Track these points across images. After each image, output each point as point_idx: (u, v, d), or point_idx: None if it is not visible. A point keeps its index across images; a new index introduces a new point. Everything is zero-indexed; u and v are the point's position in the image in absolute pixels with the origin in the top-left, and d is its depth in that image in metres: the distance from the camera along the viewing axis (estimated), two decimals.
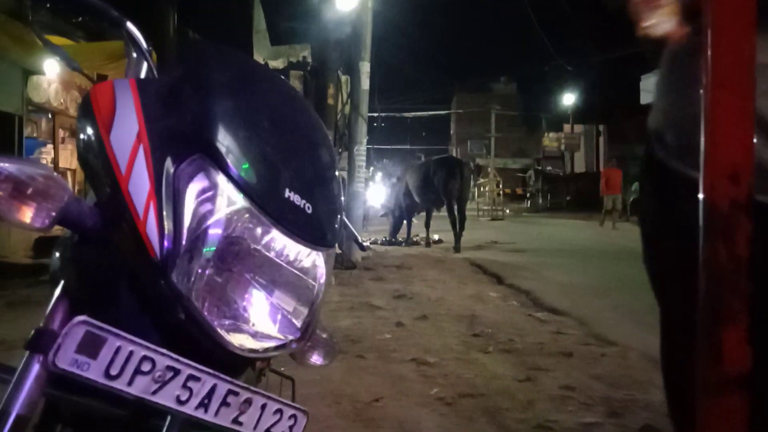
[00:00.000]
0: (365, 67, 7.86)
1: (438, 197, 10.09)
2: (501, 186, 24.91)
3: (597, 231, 11.40)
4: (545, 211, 27.09)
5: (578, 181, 30.38)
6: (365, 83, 7.86)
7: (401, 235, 11.16)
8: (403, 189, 10.93)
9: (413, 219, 11.42)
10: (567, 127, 35.00)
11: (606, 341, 3.93)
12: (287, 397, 1.44)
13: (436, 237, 11.05)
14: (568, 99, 34.61)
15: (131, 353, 0.60)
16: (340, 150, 7.95)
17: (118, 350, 0.60)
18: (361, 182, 8.13)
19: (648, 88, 27.73)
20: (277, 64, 9.14)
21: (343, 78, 8.36)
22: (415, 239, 11.13)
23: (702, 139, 0.55)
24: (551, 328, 4.30)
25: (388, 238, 11.16)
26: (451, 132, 50.90)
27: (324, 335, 0.86)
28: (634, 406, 2.74)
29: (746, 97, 0.53)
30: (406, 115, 36.57)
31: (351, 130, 7.93)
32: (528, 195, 31.83)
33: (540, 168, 33.57)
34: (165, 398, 0.63)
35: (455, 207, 9.80)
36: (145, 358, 0.61)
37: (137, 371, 0.61)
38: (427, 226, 10.91)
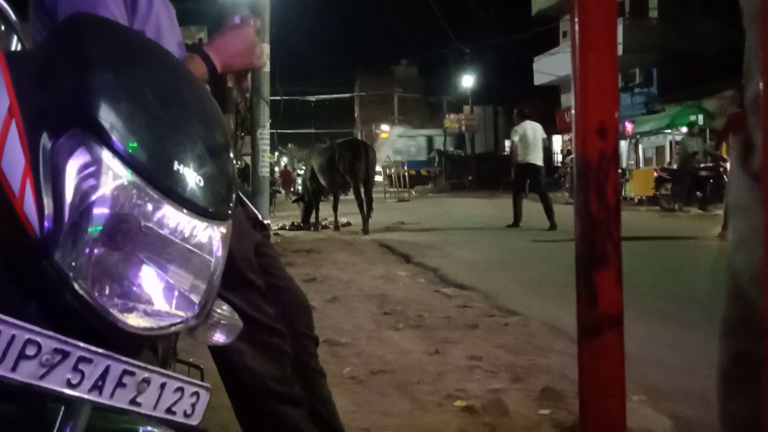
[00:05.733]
0: (265, 49, 7.69)
1: (344, 180, 10.09)
2: (406, 167, 25.25)
3: (498, 208, 11.86)
4: (449, 191, 27.78)
5: (479, 161, 31.36)
6: (266, 65, 7.69)
7: (312, 219, 11.09)
8: (309, 173, 10.84)
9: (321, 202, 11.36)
10: (467, 109, 35.95)
11: (509, 311, 4.12)
12: None
13: (344, 220, 11.07)
14: (467, 81, 35.51)
15: (13, 337, 0.57)
16: (242, 134, 7.75)
17: None
18: (266, 166, 7.99)
19: (541, 70, 29.00)
20: None
21: None
22: (323, 223, 11.10)
23: (572, 98, 0.59)
24: (458, 302, 4.44)
25: (299, 224, 11.05)
26: (356, 115, 51.02)
27: (225, 312, 0.84)
28: (535, 371, 2.90)
29: (611, 57, 0.58)
30: (310, 98, 36.21)
31: (253, 113, 7.75)
32: (432, 176, 32.49)
33: (443, 149, 34.33)
34: (54, 382, 0.60)
35: (362, 189, 9.84)
36: (29, 341, 0.58)
37: (21, 356, 0.57)
38: (335, 209, 10.91)
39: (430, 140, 36.03)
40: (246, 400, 1.56)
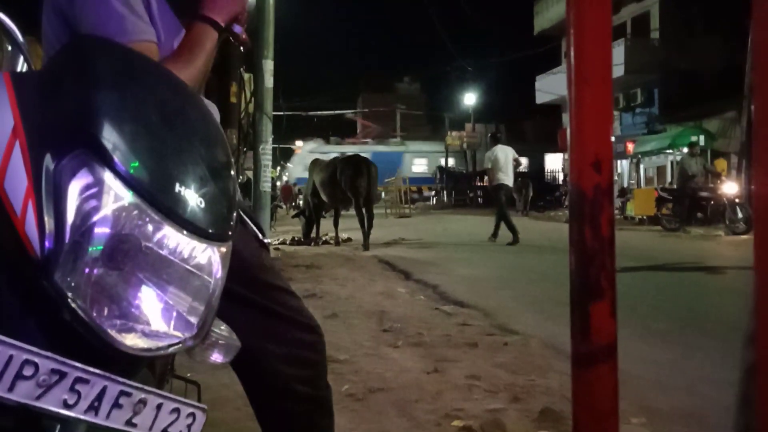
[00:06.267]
0: (269, 65, 7.75)
1: (345, 196, 10.11)
2: (408, 184, 25.32)
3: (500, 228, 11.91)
4: (450, 208, 27.80)
5: (480, 177, 31.43)
6: (269, 81, 7.74)
7: (313, 234, 11.10)
8: (310, 188, 10.86)
9: (322, 218, 11.37)
10: (468, 126, 36.11)
11: (509, 330, 4.11)
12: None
13: (345, 236, 11.07)
14: (470, 99, 35.72)
15: (11, 357, 0.57)
16: (245, 149, 7.79)
17: None
18: (268, 182, 8.02)
19: (543, 89, 29.17)
20: None
21: (246, 76, 8.19)
22: (324, 238, 11.10)
23: (569, 131, 0.60)
24: (457, 320, 4.43)
25: (299, 239, 11.05)
26: (358, 131, 51.20)
27: (223, 332, 0.84)
28: (535, 391, 2.88)
29: (606, 92, 0.59)
30: (312, 113, 36.38)
31: (255, 129, 7.79)
32: (433, 192, 32.54)
33: (444, 166, 34.43)
34: (51, 403, 0.60)
35: (363, 205, 9.86)
36: (27, 362, 0.58)
37: (18, 376, 0.58)
38: (336, 224, 10.91)
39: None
40: (274, 401, 1.41)
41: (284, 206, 22.95)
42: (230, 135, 6.89)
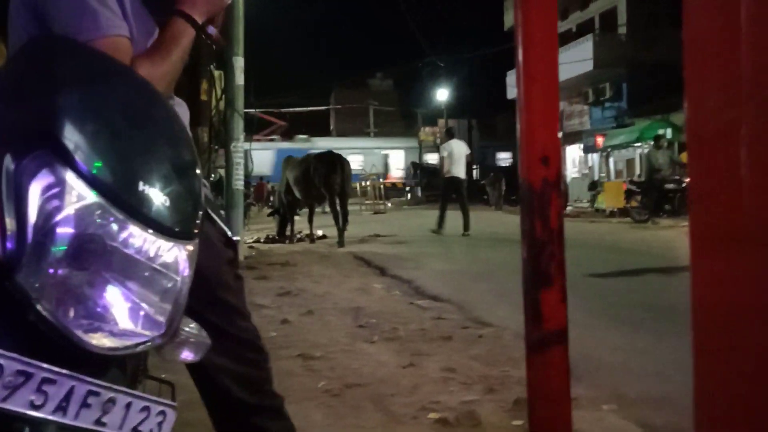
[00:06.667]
0: (239, 62, 7.70)
1: (319, 193, 10.08)
2: (382, 180, 25.32)
3: (474, 221, 11.98)
4: (425, 203, 27.87)
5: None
6: (240, 78, 7.69)
7: (288, 231, 11.04)
8: (284, 186, 10.80)
9: (296, 216, 11.32)
10: (441, 122, 36.24)
11: (483, 323, 4.15)
12: None
13: (319, 233, 11.04)
14: (442, 94, 35.82)
15: None
16: (216, 147, 7.71)
17: None
18: (240, 180, 7.96)
19: (513, 84, 29.35)
20: None
21: (217, 73, 8.10)
22: (299, 236, 11.05)
23: (518, 127, 0.61)
24: (432, 314, 4.46)
25: (274, 237, 10.98)
26: (331, 127, 50.99)
27: (193, 330, 0.85)
28: (509, 382, 2.92)
29: (553, 90, 0.60)
30: (285, 110, 36.11)
31: (227, 126, 7.73)
32: (407, 188, 32.61)
33: (418, 162, 34.50)
34: (18, 404, 0.59)
35: (337, 202, 9.84)
36: None
37: None
38: (310, 221, 10.86)
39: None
40: (227, 416, 1.55)
41: (257, 205, 22.76)
42: (201, 133, 6.82)
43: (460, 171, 11.25)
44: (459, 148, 11.41)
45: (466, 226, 10.84)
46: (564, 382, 0.61)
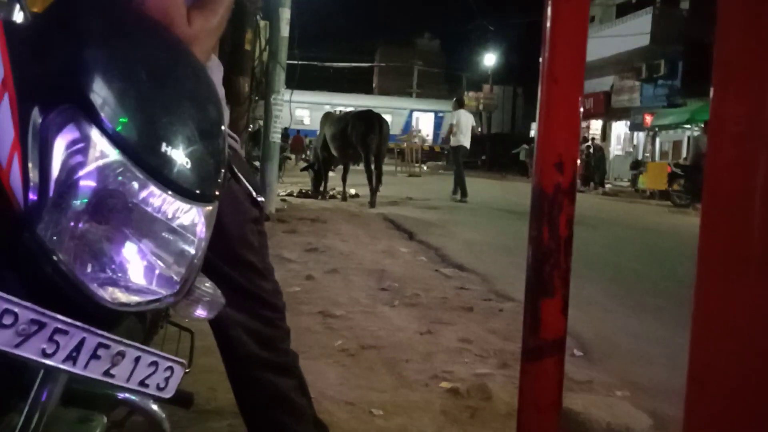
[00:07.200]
0: (285, 14, 7.64)
1: (355, 151, 10.07)
2: (421, 142, 25.14)
3: (508, 191, 11.90)
4: None
5: (495, 141, 31.16)
6: (285, 30, 7.65)
7: (321, 188, 11.10)
8: (321, 142, 10.81)
9: (330, 172, 11.35)
10: (486, 88, 35.60)
11: (505, 297, 4.14)
12: (187, 348, 1.45)
13: (352, 191, 11.07)
14: (489, 59, 35.11)
15: None
16: (256, 99, 7.73)
17: None
18: (278, 132, 7.99)
19: None
20: None
21: (262, 23, 8.07)
22: (331, 193, 11.11)
23: (536, 129, 0.59)
24: (456, 283, 4.47)
25: (307, 191, 11.06)
26: (374, 85, 50.58)
27: (208, 289, 0.86)
28: None
29: (575, 94, 0.58)
30: (328, 64, 35.89)
31: (269, 78, 7.73)
32: (445, 152, 32.35)
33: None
34: (29, 351, 0.62)
35: (372, 162, 9.82)
36: (6, 311, 0.60)
37: None
38: (344, 180, 10.89)
39: None
40: (239, 368, 1.59)
41: (293, 157, 22.87)
42: (242, 83, 6.84)
43: (466, 140, 11.98)
44: (467, 119, 12.14)
45: (463, 192, 11.58)
46: (556, 393, 0.61)
